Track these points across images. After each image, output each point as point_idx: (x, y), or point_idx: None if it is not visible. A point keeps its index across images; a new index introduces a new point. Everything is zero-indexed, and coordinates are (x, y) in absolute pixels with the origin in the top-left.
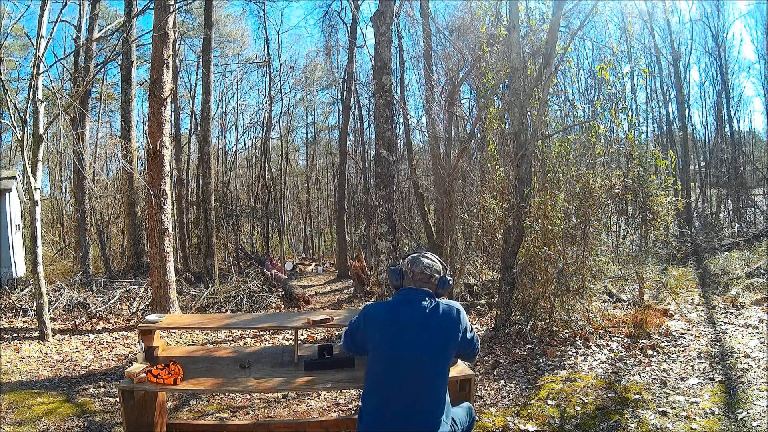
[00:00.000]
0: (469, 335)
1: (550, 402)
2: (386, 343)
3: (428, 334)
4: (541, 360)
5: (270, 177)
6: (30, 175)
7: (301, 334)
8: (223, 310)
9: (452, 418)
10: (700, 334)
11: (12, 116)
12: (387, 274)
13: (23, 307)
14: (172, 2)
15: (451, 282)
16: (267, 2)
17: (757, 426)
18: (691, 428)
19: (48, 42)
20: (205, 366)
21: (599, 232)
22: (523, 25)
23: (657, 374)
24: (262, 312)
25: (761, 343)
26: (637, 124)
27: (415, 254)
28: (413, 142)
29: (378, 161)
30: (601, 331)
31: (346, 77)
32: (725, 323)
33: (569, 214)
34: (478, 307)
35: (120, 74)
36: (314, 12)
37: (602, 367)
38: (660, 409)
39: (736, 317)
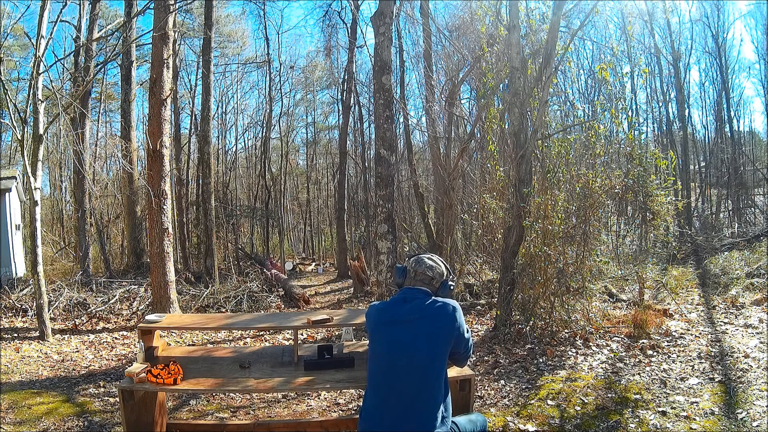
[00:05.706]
0: (466, 335)
1: (550, 402)
2: (383, 341)
3: (422, 329)
4: (541, 360)
5: (270, 177)
6: (30, 175)
7: (301, 334)
8: (223, 310)
9: (454, 422)
10: (700, 334)
11: (12, 116)
12: (392, 271)
13: (23, 307)
14: (172, 2)
15: (452, 287)
16: (267, 2)
17: (757, 426)
18: (691, 428)
19: (48, 42)
20: (205, 366)
21: (599, 232)
22: (523, 25)
23: (657, 374)
24: (262, 312)
25: (761, 343)
26: (637, 124)
27: (422, 255)
28: (413, 142)
29: (378, 161)
30: (601, 331)
31: (346, 77)
32: (725, 323)
33: (569, 214)
34: (478, 307)
35: (120, 74)
36: (314, 12)
37: (602, 367)
38: (660, 409)
39: (736, 317)
